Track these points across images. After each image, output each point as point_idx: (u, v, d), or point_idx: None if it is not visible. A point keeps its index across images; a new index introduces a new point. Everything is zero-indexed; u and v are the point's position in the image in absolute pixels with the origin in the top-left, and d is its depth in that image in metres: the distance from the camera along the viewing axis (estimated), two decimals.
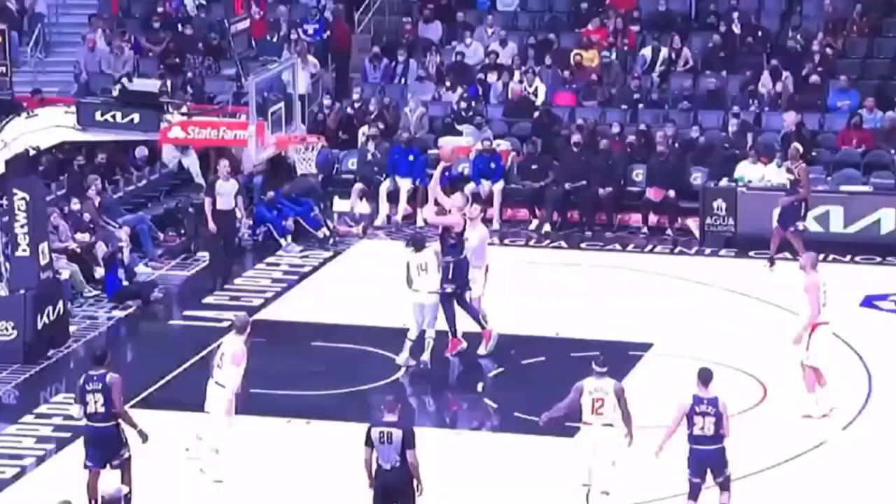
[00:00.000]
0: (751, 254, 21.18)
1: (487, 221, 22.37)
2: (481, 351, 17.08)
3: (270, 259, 21.27)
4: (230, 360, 14.01)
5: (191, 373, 16.78)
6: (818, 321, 15.42)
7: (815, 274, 15.56)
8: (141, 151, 23.20)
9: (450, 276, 16.71)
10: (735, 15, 25.40)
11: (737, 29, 25.34)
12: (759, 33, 25.34)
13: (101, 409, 12.96)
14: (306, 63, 24.37)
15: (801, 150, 20.66)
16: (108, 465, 13.09)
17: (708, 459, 12.92)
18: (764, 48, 25.10)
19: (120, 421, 13.10)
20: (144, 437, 13.15)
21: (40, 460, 14.89)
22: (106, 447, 13.04)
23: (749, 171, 22.05)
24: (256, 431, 15.02)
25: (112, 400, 12.92)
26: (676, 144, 23.12)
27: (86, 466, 13.20)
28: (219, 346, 14.48)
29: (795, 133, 22.64)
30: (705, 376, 13.00)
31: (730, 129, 23.33)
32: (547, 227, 22.61)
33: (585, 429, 13.28)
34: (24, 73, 24.39)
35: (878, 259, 20.79)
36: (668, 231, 22.34)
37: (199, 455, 14.24)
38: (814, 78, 24.10)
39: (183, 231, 22.06)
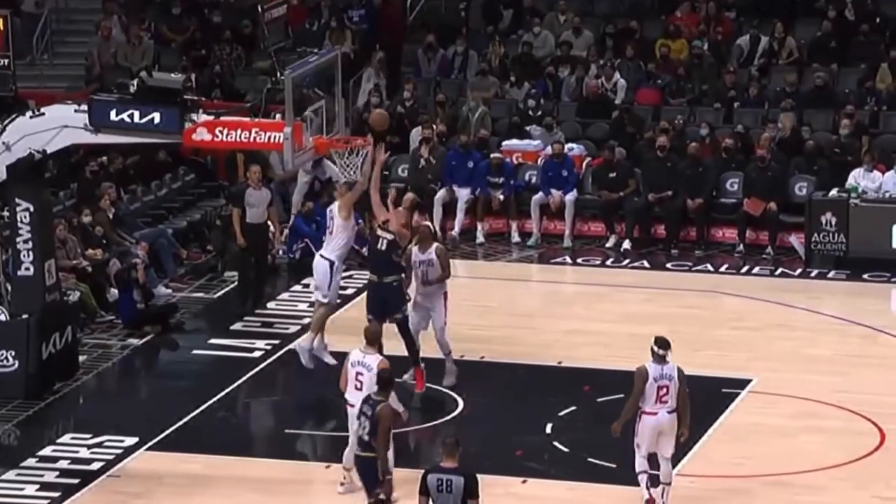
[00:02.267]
0: (865, 276, 21.05)
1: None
2: None
3: (308, 280, 21.34)
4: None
5: (216, 411, 16.84)
6: None
7: None
8: (161, 155, 23.37)
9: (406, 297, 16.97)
10: None
11: (850, 15, 25.20)
12: (877, 20, 25.20)
13: None
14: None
15: None
16: None
17: None
18: (882, 37, 24.96)
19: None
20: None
21: None
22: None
23: (863, 181, 21.92)
24: (291, 478, 15.04)
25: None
26: (778, 148, 23.04)
27: None
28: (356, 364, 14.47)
29: None
30: None
31: (841, 131, 23.22)
32: (626, 245, 22.58)
33: (647, 419, 13.73)
34: (28, 65, 24.65)
35: None
36: (768, 249, 22.25)
37: (353, 488, 14.39)
38: None
39: (208, 247, 22.21)
